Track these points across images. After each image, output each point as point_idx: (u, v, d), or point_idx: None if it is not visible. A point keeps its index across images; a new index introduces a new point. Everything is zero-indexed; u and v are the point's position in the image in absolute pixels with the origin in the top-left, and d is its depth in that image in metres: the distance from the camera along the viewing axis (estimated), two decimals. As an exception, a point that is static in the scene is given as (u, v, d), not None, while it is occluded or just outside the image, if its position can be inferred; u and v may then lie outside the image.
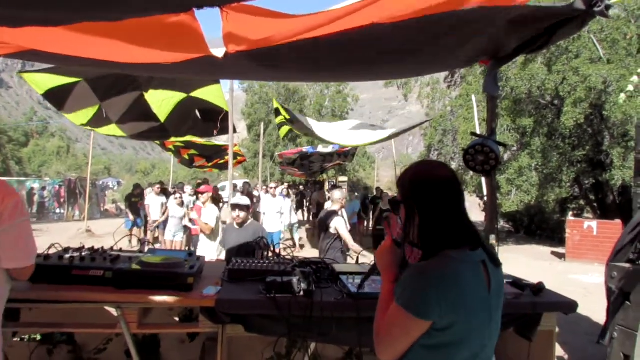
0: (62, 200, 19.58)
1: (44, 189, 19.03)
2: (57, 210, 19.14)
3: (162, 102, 5.94)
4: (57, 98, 5.53)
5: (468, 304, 1.19)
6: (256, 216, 11.36)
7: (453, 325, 1.18)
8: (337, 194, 5.31)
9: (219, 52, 2.18)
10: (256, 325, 2.15)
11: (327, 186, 30.89)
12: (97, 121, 6.29)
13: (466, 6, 1.88)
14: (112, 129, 6.59)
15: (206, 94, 5.87)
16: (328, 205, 5.66)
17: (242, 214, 4.39)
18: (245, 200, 4.54)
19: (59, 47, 2.18)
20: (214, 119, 6.40)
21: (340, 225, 4.93)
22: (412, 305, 1.18)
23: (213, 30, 2.32)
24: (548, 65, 12.65)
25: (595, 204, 14.99)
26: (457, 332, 1.20)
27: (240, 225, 4.42)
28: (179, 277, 2.20)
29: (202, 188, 7.20)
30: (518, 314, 2.21)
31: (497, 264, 1.33)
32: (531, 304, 2.21)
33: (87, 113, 5.99)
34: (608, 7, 1.91)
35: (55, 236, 10.73)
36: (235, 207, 4.44)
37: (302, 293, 2.15)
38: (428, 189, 1.29)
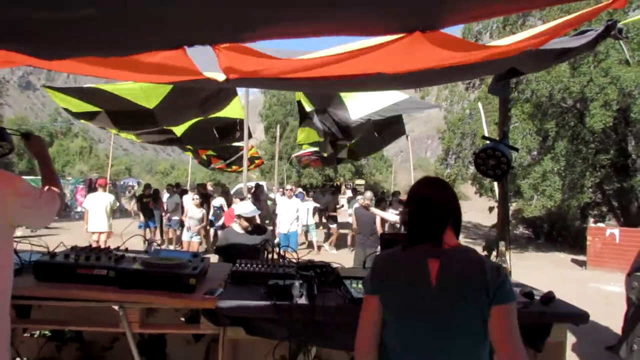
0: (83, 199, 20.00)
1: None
2: (78, 209, 19.54)
3: (179, 125, 6.18)
4: (77, 116, 5.73)
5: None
6: (273, 219, 11.45)
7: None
8: (368, 194, 7.68)
9: (219, 76, 2.26)
10: (257, 328, 2.14)
11: (343, 189, 30.83)
12: (117, 130, 6.62)
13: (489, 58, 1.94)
14: (131, 135, 7.02)
15: (224, 112, 5.95)
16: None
17: (246, 223, 4.19)
18: (248, 208, 4.29)
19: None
20: (232, 131, 6.53)
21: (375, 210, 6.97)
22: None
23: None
24: (572, 66, 12.33)
25: (618, 211, 14.55)
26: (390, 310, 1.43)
27: (247, 231, 4.21)
28: (181, 278, 2.20)
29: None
30: (525, 324, 2.13)
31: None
32: (539, 314, 2.13)
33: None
34: (620, 30, 2.04)
35: (75, 234, 10.98)
36: (238, 216, 4.27)
37: (303, 297, 2.13)
38: None
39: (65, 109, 5.55)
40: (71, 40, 1.65)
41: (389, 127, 6.92)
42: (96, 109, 5.31)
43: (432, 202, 1.49)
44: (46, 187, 1.94)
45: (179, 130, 6.30)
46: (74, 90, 5.15)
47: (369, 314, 1.46)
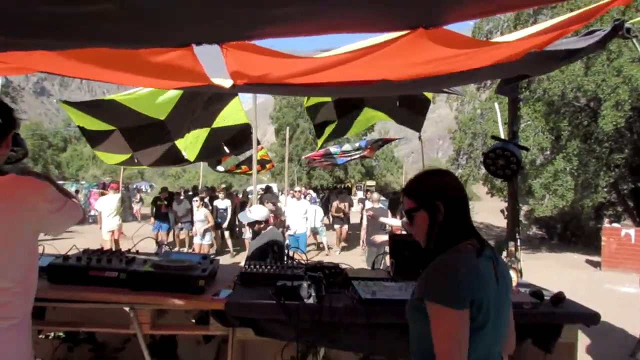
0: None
1: (77, 192, 19.73)
2: (92, 213, 19.80)
3: (190, 144, 6.13)
4: (92, 138, 5.69)
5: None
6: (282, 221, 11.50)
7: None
8: (375, 195, 8.36)
9: (226, 82, 2.27)
10: (265, 329, 2.15)
11: (354, 191, 30.76)
12: (129, 163, 6.64)
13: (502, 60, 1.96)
14: (142, 166, 7.02)
15: (226, 116, 5.93)
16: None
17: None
18: (257, 215, 4.32)
19: (65, 70, 2.30)
20: (243, 140, 6.55)
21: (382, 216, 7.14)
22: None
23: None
24: (586, 65, 12.15)
25: (634, 211, 14.29)
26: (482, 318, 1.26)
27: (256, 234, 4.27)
28: (190, 279, 2.23)
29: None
30: (535, 325, 2.11)
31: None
32: (549, 315, 2.11)
33: (120, 157, 6.25)
34: (629, 30, 2.11)
35: (88, 238, 11.13)
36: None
37: (311, 298, 2.14)
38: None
39: (80, 127, 5.51)
40: (84, 30, 1.64)
41: (411, 108, 6.62)
42: (110, 127, 5.35)
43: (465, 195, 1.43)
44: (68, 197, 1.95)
45: (191, 155, 6.36)
46: (88, 104, 5.15)
47: (466, 329, 1.23)
